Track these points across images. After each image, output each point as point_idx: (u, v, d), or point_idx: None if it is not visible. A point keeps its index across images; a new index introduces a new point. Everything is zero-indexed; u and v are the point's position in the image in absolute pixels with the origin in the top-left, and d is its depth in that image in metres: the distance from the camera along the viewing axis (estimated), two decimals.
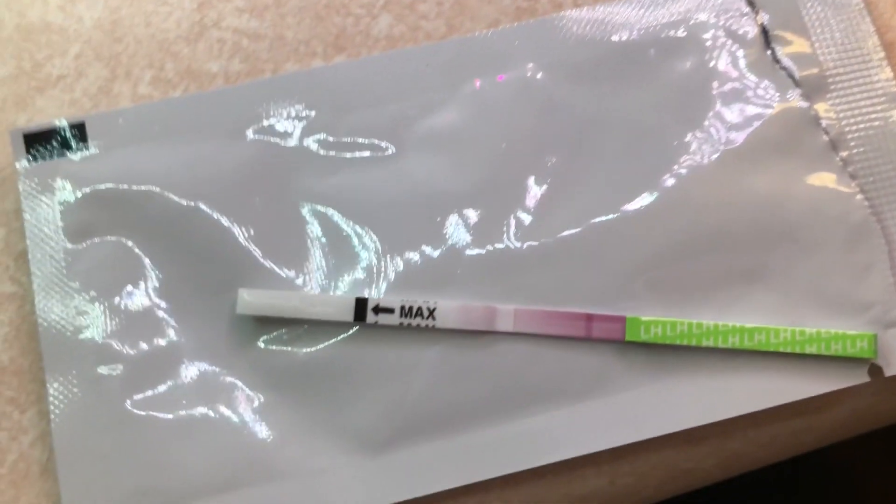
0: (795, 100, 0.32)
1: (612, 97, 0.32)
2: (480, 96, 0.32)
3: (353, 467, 0.30)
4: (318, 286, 0.31)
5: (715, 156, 0.31)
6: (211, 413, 0.30)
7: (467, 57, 0.32)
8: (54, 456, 0.30)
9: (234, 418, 0.30)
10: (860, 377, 0.30)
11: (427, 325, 0.30)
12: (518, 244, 0.31)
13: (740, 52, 0.32)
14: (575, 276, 0.31)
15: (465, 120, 0.32)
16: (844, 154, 0.32)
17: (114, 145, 0.31)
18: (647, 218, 0.31)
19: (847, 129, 0.32)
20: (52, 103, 0.32)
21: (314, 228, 0.31)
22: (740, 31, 0.33)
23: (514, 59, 0.32)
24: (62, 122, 0.31)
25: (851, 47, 0.33)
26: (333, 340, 0.30)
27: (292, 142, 0.32)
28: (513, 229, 0.31)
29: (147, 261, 0.31)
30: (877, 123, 0.32)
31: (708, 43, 0.33)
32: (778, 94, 0.32)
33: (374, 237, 0.31)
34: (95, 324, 0.30)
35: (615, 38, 0.33)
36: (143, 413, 0.30)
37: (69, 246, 0.31)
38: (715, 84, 0.32)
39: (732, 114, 0.32)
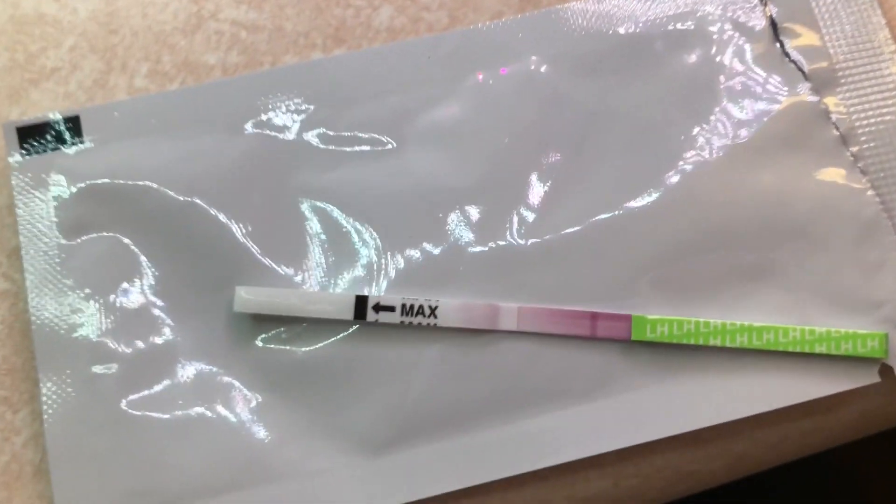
0: (805, 94, 0.32)
1: (618, 91, 0.32)
2: (483, 90, 0.32)
3: (352, 468, 0.29)
4: (317, 283, 0.30)
5: (722, 151, 0.31)
6: (208, 413, 0.30)
7: (470, 49, 0.32)
8: (47, 457, 0.29)
9: (232, 418, 0.30)
10: (870, 377, 0.30)
11: (428, 324, 0.30)
12: (521, 241, 0.31)
13: (748, 45, 0.32)
14: (579, 273, 0.30)
15: (467, 114, 0.32)
16: (855, 149, 0.31)
17: (109, 139, 0.31)
18: (653, 214, 0.31)
19: (857, 123, 0.32)
20: (46, 96, 0.32)
21: (313, 224, 0.31)
22: (748, 24, 0.32)
23: (517, 51, 0.32)
24: (56, 116, 0.31)
25: (862, 40, 0.32)
26: (333, 339, 0.30)
27: (291, 136, 0.31)
28: (516, 225, 0.31)
29: (143, 257, 0.30)
30: (888, 118, 0.32)
31: (715, 36, 0.32)
32: (787, 88, 0.32)
33: (375, 233, 0.31)
34: (90, 322, 0.30)
35: (620, 30, 0.32)
36: (138, 413, 0.30)
37: (63, 242, 0.30)
38: (722, 78, 0.32)
39: (740, 108, 0.32)
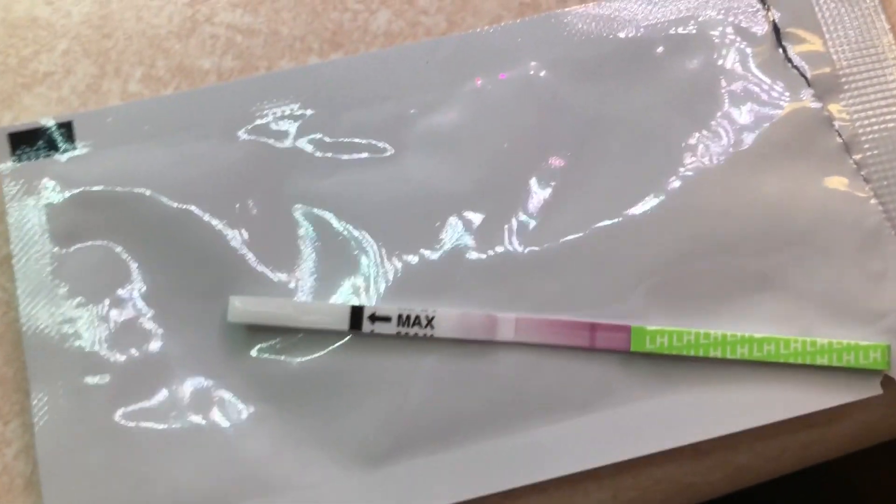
0: (807, 100, 0.31)
1: (618, 96, 0.32)
2: (482, 95, 0.31)
3: (348, 481, 0.29)
4: (312, 292, 0.30)
5: (723, 158, 0.31)
6: (201, 425, 0.29)
7: (468, 54, 0.32)
8: (38, 469, 0.29)
9: (226, 430, 0.29)
10: (873, 389, 0.30)
11: (425, 335, 0.29)
12: (520, 249, 0.30)
13: (750, 51, 0.32)
14: (578, 282, 0.30)
15: (465, 119, 0.31)
16: (858, 156, 0.31)
17: (102, 145, 0.31)
18: (653, 222, 0.30)
19: (861, 130, 0.31)
20: (38, 101, 0.32)
21: (309, 232, 0.30)
22: (751, 29, 0.32)
23: (516, 56, 0.32)
24: (49, 121, 0.31)
25: (865, 46, 0.32)
26: (328, 350, 0.30)
27: (287, 142, 0.31)
28: (515, 233, 0.30)
29: (136, 265, 0.30)
30: (892, 125, 0.32)
31: (717, 40, 0.32)
32: (789, 94, 0.31)
33: (372, 241, 0.30)
34: (82, 331, 0.30)
35: (621, 34, 0.32)
36: (130, 425, 0.29)
37: (55, 250, 0.30)
38: (724, 83, 0.32)
39: (742, 114, 0.31)
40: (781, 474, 0.32)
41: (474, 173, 0.31)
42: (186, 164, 0.30)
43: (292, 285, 0.30)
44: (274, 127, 0.31)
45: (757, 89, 0.32)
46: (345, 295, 0.30)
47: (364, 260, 0.30)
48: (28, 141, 0.31)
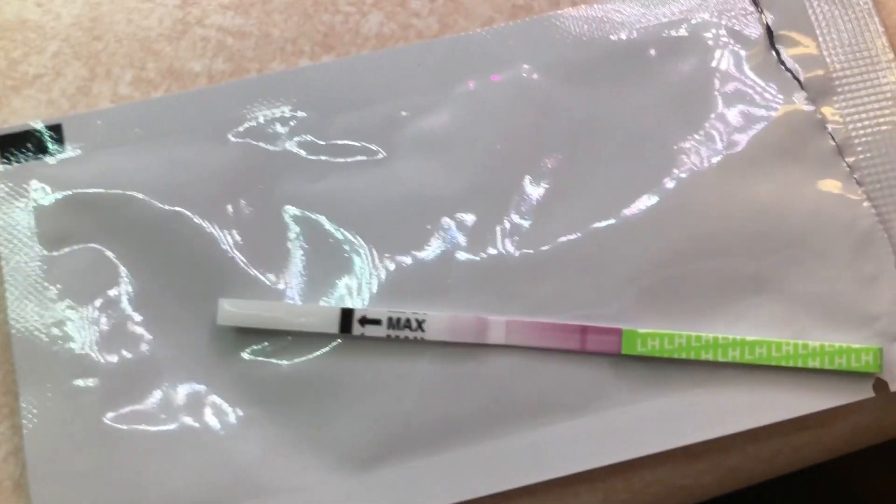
0: (800, 103, 0.31)
1: (611, 99, 0.31)
2: (474, 97, 0.31)
3: (338, 484, 0.29)
4: (303, 295, 0.30)
5: (716, 160, 0.31)
6: (191, 428, 0.29)
7: (460, 56, 0.32)
8: (27, 472, 0.29)
9: (216, 434, 0.29)
10: (864, 392, 0.30)
11: (416, 338, 0.29)
12: (512, 252, 0.30)
13: (744, 53, 0.32)
14: (570, 285, 0.30)
15: (458, 122, 0.31)
16: (851, 159, 0.31)
17: (92, 148, 0.31)
18: (646, 225, 0.30)
19: (854, 133, 0.31)
20: (28, 104, 0.32)
21: (300, 235, 0.30)
22: (744, 31, 0.32)
23: (509, 58, 0.32)
24: (38, 124, 0.31)
25: (859, 48, 0.32)
26: (318, 353, 0.30)
27: (278, 144, 0.31)
28: (506, 236, 0.30)
29: (126, 268, 0.30)
30: (885, 128, 0.31)
31: (710, 43, 0.32)
32: (782, 97, 0.31)
33: (363, 244, 0.30)
34: (72, 334, 0.30)
35: (614, 37, 0.32)
36: (120, 428, 0.29)
37: (45, 253, 0.30)
38: (717, 86, 0.32)
39: (735, 117, 0.31)
40: (774, 476, 0.31)
41: (466, 176, 0.31)
42: (177, 167, 0.30)
43: (282, 288, 0.30)
44: (265, 130, 0.31)
45: (750, 92, 0.31)
46: (335, 298, 0.30)
47: (355, 263, 0.30)
48: (17, 143, 0.30)
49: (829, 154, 0.31)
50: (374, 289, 0.30)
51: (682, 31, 0.32)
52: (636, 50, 0.32)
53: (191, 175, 0.30)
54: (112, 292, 0.30)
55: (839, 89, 0.32)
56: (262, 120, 0.31)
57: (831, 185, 0.31)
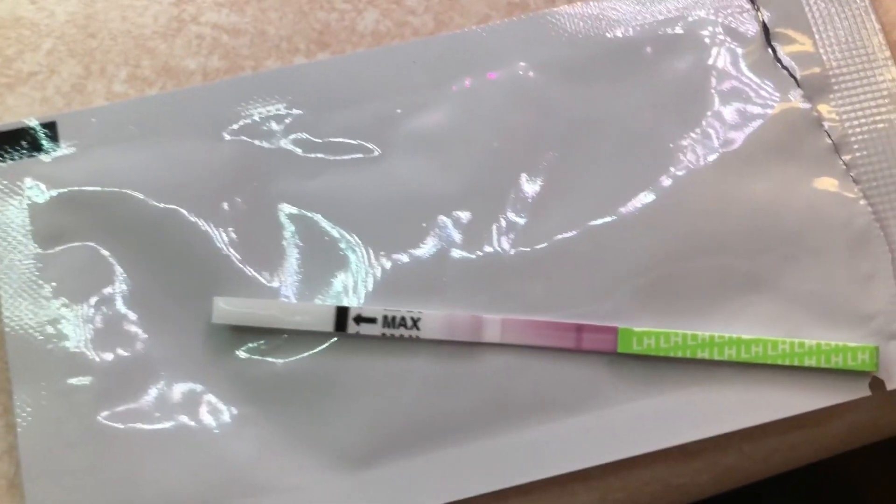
0: (797, 100, 0.31)
1: (607, 97, 0.31)
2: (470, 95, 0.31)
3: (333, 484, 0.29)
4: (298, 294, 0.30)
5: (712, 158, 0.31)
6: (186, 427, 0.29)
7: (456, 54, 0.32)
8: (21, 471, 0.29)
9: (210, 432, 0.29)
10: (861, 391, 0.30)
11: (411, 336, 0.29)
12: (508, 250, 0.30)
13: (740, 51, 0.32)
14: (566, 283, 0.30)
15: (453, 120, 0.31)
16: (847, 157, 0.31)
17: (87, 146, 0.31)
18: (642, 223, 0.30)
19: (850, 131, 0.31)
20: (22, 101, 0.31)
21: (295, 233, 0.30)
22: (740, 29, 0.32)
23: (505, 56, 0.32)
24: (33, 122, 0.31)
25: (856, 46, 0.32)
26: (313, 351, 0.30)
27: (273, 142, 0.31)
28: (502, 235, 0.30)
29: (120, 266, 0.30)
30: (881, 126, 0.31)
31: (706, 41, 0.32)
32: (778, 95, 0.31)
33: (358, 242, 0.30)
34: (66, 333, 0.29)
35: (610, 35, 0.32)
36: (114, 426, 0.29)
37: (39, 251, 0.30)
38: (713, 83, 0.32)
39: (731, 115, 0.31)
40: (770, 475, 0.31)
41: (462, 174, 0.31)
42: (171, 165, 0.30)
43: (277, 286, 0.30)
44: (260, 127, 0.31)
45: (746, 89, 0.31)
46: (330, 296, 0.30)
47: (350, 261, 0.30)
48: (11, 141, 0.30)
49: (825, 152, 0.31)
50: (370, 287, 0.30)
51: (679, 29, 0.32)
52: (632, 47, 0.32)
53: (186, 173, 0.30)
54: (106, 290, 0.30)
55: (836, 87, 0.32)
56: (257, 118, 0.31)
57: (827, 184, 0.31)
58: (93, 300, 0.30)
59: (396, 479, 0.29)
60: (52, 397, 0.29)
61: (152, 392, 0.29)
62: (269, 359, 0.29)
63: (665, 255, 0.30)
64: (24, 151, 0.30)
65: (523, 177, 0.31)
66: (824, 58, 0.32)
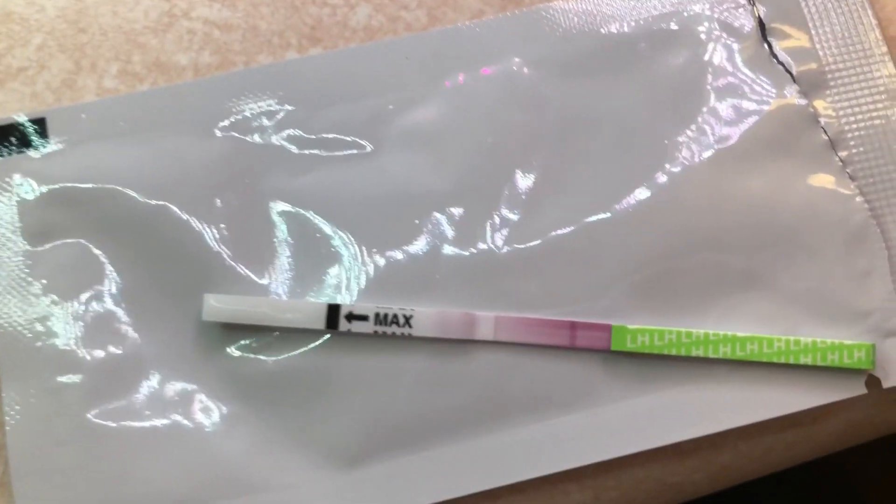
0: (793, 96, 0.31)
1: (602, 92, 0.31)
2: (463, 91, 0.31)
3: (325, 482, 0.29)
4: (289, 291, 0.30)
5: (708, 155, 0.31)
6: (176, 425, 0.29)
7: (450, 49, 0.31)
8: (10, 469, 0.29)
9: (201, 430, 0.29)
10: (857, 389, 0.30)
11: (403, 334, 0.29)
12: (501, 247, 0.30)
13: (736, 46, 0.32)
14: (560, 280, 0.30)
15: (446, 116, 0.31)
16: (844, 154, 0.31)
17: (77, 142, 0.30)
18: (636, 220, 0.30)
19: (847, 127, 0.31)
20: (11, 97, 0.31)
21: (286, 230, 0.30)
22: (736, 24, 0.32)
23: (498, 52, 0.32)
24: (22, 118, 0.30)
25: (852, 41, 0.32)
26: (304, 349, 0.29)
27: (265, 138, 0.31)
28: (495, 232, 0.30)
29: (110, 263, 0.30)
30: (878, 122, 0.31)
31: (702, 36, 0.32)
32: (775, 91, 0.31)
33: (350, 239, 0.30)
34: (55, 330, 0.29)
35: (605, 30, 0.32)
36: (104, 425, 0.29)
37: (29, 248, 0.30)
38: (709, 79, 0.31)
39: (727, 110, 0.31)
40: (766, 474, 0.31)
41: (455, 170, 0.30)
42: (162, 161, 0.30)
43: (268, 283, 0.30)
44: (251, 123, 0.31)
45: (742, 85, 0.31)
46: (322, 293, 0.30)
47: (342, 258, 0.30)
48: (0, 137, 0.30)
49: (821, 148, 0.31)
50: (362, 284, 0.30)
51: (674, 24, 0.32)
52: (627, 43, 0.32)
53: (176, 169, 0.30)
54: (96, 287, 0.30)
55: (832, 83, 0.31)
56: (248, 113, 0.31)
57: (824, 180, 0.31)
58: (82, 297, 0.30)
59: (389, 477, 0.29)
60: (42, 395, 0.29)
61: (143, 390, 0.29)
62: (261, 357, 0.29)
63: (660, 252, 0.30)
64: (14, 148, 0.30)
65: (517, 173, 0.31)
66: (820, 53, 0.32)
